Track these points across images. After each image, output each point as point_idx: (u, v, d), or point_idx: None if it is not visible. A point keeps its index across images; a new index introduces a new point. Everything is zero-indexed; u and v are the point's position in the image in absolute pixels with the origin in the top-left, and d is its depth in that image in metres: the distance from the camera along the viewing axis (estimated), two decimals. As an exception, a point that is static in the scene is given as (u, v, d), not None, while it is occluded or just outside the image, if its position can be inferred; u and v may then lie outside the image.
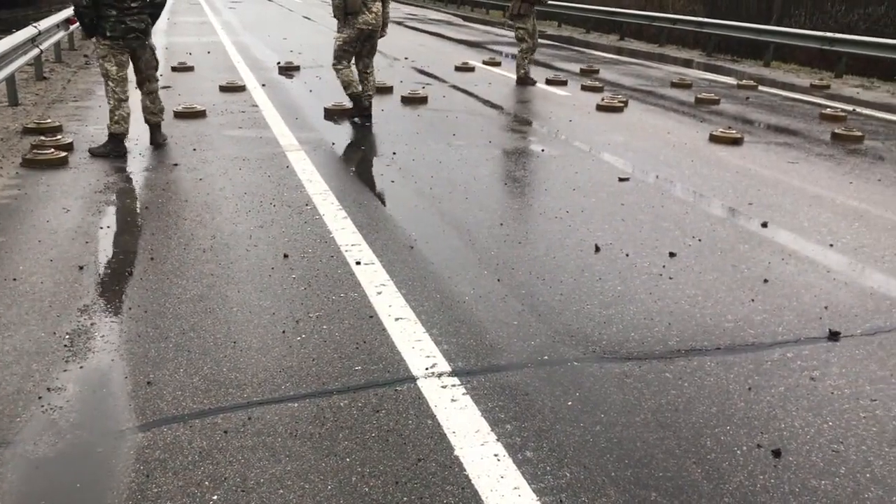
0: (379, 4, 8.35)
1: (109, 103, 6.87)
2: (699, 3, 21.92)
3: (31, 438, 2.76)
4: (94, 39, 6.86)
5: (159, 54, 7.89)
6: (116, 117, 6.83)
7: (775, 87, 12.69)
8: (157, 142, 7.23)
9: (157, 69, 7.23)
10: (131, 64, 6.97)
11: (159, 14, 7.17)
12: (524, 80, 11.61)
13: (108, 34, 6.68)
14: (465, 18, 25.92)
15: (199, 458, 2.66)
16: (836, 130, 8.59)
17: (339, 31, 8.50)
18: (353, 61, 8.61)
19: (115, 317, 3.71)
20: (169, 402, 3.00)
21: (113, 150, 6.84)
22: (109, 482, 2.54)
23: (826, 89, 12.59)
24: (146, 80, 7.13)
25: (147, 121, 7.23)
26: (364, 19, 8.25)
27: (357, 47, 8.49)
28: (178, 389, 3.08)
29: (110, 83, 6.82)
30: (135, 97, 7.08)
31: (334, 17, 8.44)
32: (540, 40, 13.08)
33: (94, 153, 6.83)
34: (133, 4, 6.72)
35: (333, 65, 8.55)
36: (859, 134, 8.44)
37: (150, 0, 6.88)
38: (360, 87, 8.61)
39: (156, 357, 3.33)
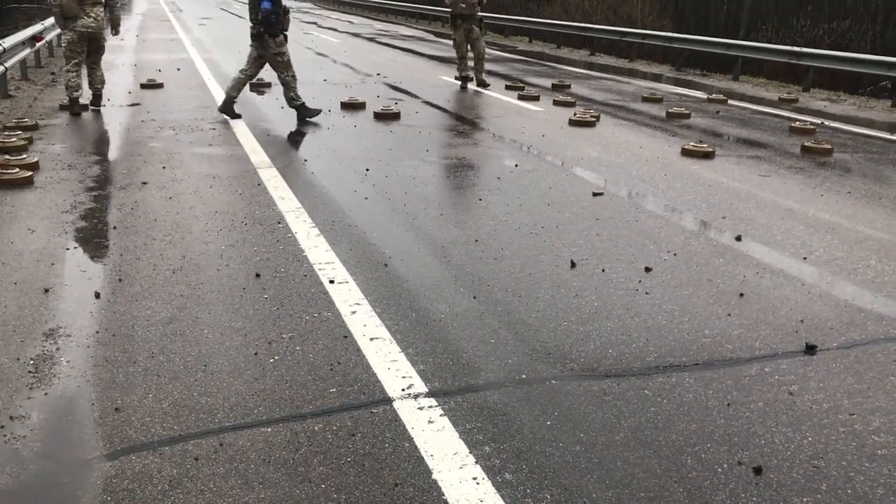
0: (100, 9, 9.29)
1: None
2: (668, 19, 22.18)
3: (-7, 470, 2.66)
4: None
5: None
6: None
7: (745, 100, 12.84)
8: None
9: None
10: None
11: None
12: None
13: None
14: (436, 34, 25.98)
15: (170, 488, 2.58)
16: (806, 143, 8.67)
17: (64, 36, 9.49)
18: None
19: (81, 341, 3.61)
20: (137, 429, 2.91)
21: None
22: (75, 515, 2.45)
23: (794, 103, 12.75)
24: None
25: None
26: (83, 23, 9.18)
27: (83, 48, 9.40)
28: (147, 416, 3.00)
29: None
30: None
31: (55, 23, 9.62)
32: (511, 55, 13.16)
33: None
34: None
35: (65, 66, 9.54)
36: (828, 147, 8.53)
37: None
38: (79, 92, 9.57)
39: (124, 382, 3.24)
